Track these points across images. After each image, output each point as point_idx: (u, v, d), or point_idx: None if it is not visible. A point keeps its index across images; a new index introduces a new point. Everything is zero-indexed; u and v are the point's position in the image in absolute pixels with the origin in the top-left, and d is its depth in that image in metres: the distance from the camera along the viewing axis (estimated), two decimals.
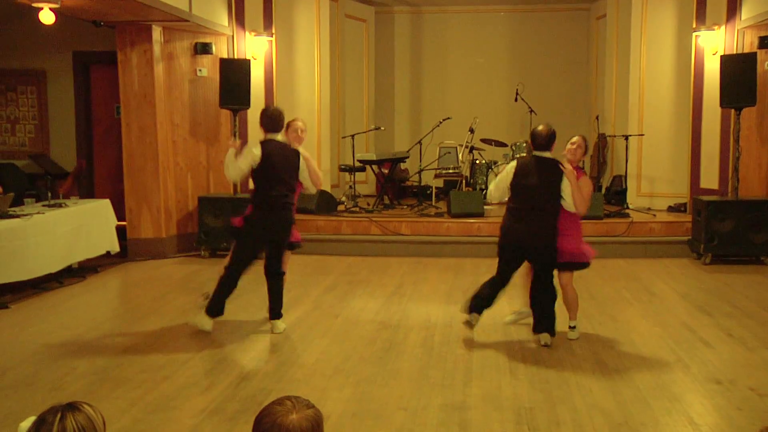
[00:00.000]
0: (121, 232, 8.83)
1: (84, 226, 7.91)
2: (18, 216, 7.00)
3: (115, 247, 8.49)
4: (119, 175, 9.53)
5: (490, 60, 13.26)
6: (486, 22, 13.24)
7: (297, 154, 5.91)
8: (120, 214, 8.88)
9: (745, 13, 8.89)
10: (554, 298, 5.56)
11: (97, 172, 10.61)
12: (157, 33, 9.07)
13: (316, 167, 6.13)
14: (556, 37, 13.08)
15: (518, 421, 4.10)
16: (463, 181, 11.10)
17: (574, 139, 5.67)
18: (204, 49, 9.47)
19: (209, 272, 8.28)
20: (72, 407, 1.96)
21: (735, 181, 8.67)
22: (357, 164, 10.79)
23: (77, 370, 5.02)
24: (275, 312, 5.97)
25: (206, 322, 5.85)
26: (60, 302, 7.02)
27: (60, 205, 7.78)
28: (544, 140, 5.50)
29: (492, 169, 11.11)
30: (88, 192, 10.24)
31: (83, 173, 10.32)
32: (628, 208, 9.88)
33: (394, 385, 4.71)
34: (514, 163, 5.65)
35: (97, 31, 9.18)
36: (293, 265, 6.55)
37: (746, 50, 8.90)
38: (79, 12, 8.27)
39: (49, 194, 8.08)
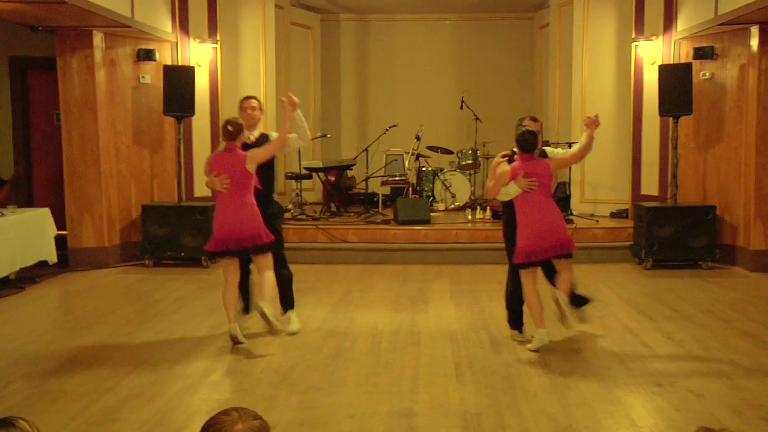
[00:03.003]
0: (61, 241, 8.63)
1: (22, 235, 7.71)
2: None
3: (52, 258, 8.29)
4: (59, 183, 9.31)
5: (436, 67, 13.37)
6: (432, 30, 13.35)
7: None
8: (60, 223, 8.69)
9: (681, 25, 9.14)
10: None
11: (35, 180, 10.35)
12: (98, 39, 8.90)
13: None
14: (501, 45, 13.26)
15: (465, 427, 4.13)
16: (410, 189, 11.16)
17: None
18: (147, 55, 9.33)
19: (153, 282, 8.16)
20: (5, 423, 1.90)
21: (674, 188, 8.89)
22: (303, 172, 10.76)
23: (14, 383, 4.88)
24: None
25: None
26: None
27: None
28: None
29: (438, 176, 11.19)
30: (26, 201, 9.98)
31: (21, 181, 10.06)
32: (572, 214, 10.04)
33: (341, 392, 4.70)
34: None
35: (35, 36, 8.96)
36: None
37: (683, 60, 9.14)
38: (17, 16, 8.07)
39: None
